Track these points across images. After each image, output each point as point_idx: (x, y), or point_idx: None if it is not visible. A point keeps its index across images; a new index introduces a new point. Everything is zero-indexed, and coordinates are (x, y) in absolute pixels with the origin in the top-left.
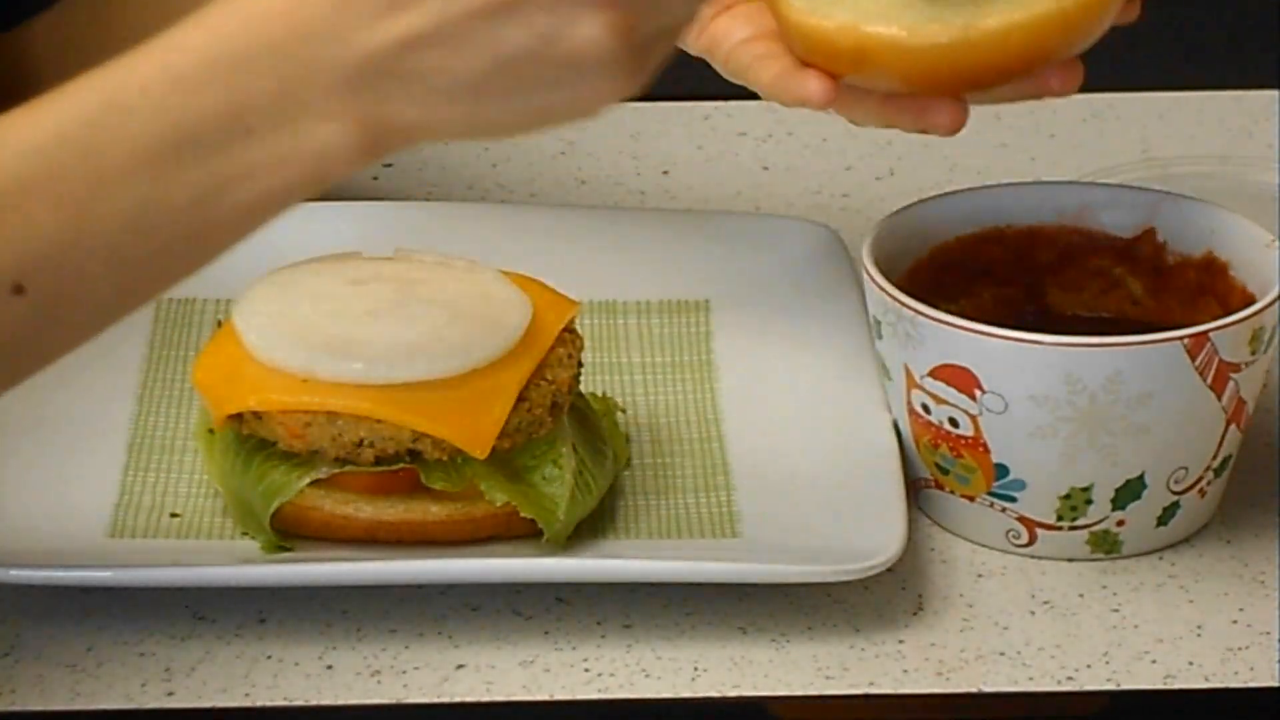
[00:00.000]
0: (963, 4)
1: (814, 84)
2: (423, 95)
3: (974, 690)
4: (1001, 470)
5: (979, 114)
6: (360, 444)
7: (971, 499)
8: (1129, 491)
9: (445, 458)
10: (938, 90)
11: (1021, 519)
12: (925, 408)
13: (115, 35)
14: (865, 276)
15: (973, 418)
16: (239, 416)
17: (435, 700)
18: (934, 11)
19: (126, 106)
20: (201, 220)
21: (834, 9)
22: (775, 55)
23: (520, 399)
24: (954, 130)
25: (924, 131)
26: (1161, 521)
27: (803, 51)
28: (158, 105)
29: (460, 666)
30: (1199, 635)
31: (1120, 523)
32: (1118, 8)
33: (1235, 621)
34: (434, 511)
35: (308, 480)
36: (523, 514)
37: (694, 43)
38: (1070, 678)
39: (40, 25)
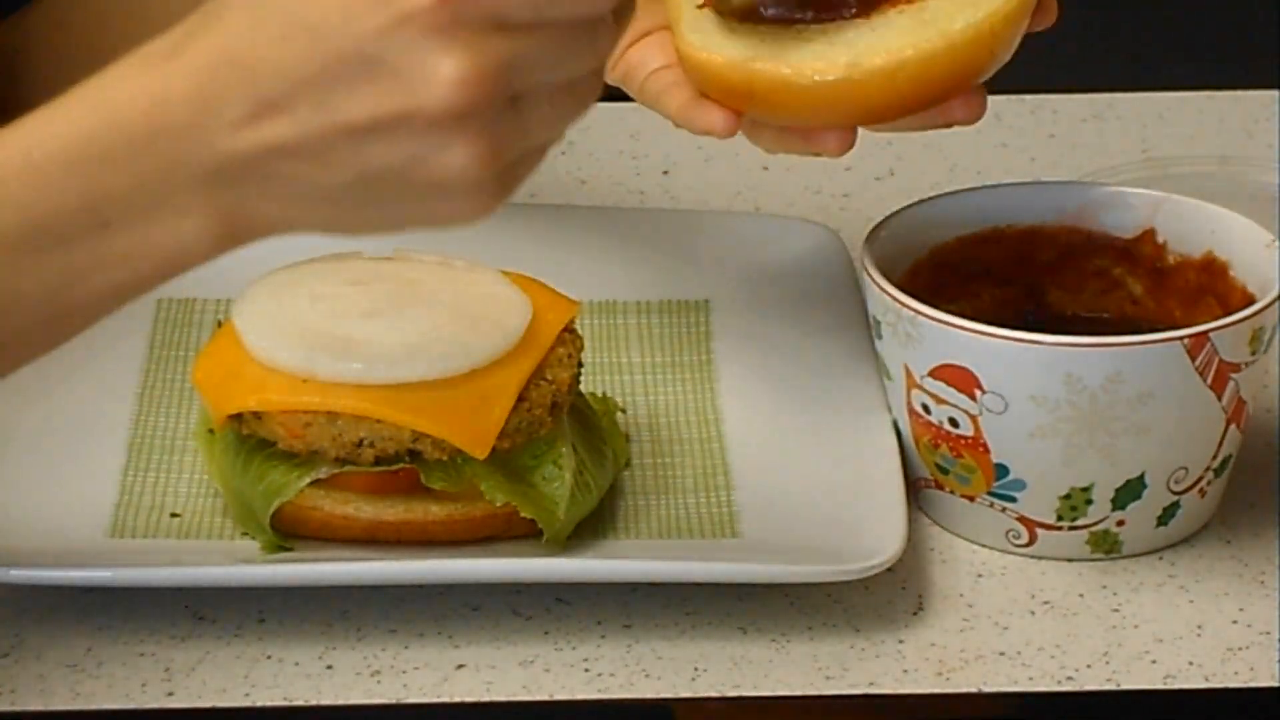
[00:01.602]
0: (852, 41)
1: (716, 116)
2: (284, 198)
3: (974, 690)
4: (1001, 470)
5: None
6: (360, 444)
7: (971, 499)
8: (1129, 491)
9: (445, 458)
10: (829, 124)
11: (1021, 519)
12: (925, 408)
13: (106, 24)
14: (865, 276)
15: (973, 418)
16: (239, 416)
17: (435, 700)
18: (821, 49)
19: None
20: (56, 308)
21: (726, 44)
22: (681, 84)
23: (520, 399)
24: (841, 152)
25: (815, 155)
26: (1161, 521)
27: (699, 84)
28: (14, 197)
29: (460, 666)
30: (1199, 635)
31: (1120, 523)
32: (1014, 40)
33: (1235, 621)
34: (434, 511)
35: (308, 480)
36: (523, 514)
37: (610, 73)
38: (1070, 678)
39: (35, 13)
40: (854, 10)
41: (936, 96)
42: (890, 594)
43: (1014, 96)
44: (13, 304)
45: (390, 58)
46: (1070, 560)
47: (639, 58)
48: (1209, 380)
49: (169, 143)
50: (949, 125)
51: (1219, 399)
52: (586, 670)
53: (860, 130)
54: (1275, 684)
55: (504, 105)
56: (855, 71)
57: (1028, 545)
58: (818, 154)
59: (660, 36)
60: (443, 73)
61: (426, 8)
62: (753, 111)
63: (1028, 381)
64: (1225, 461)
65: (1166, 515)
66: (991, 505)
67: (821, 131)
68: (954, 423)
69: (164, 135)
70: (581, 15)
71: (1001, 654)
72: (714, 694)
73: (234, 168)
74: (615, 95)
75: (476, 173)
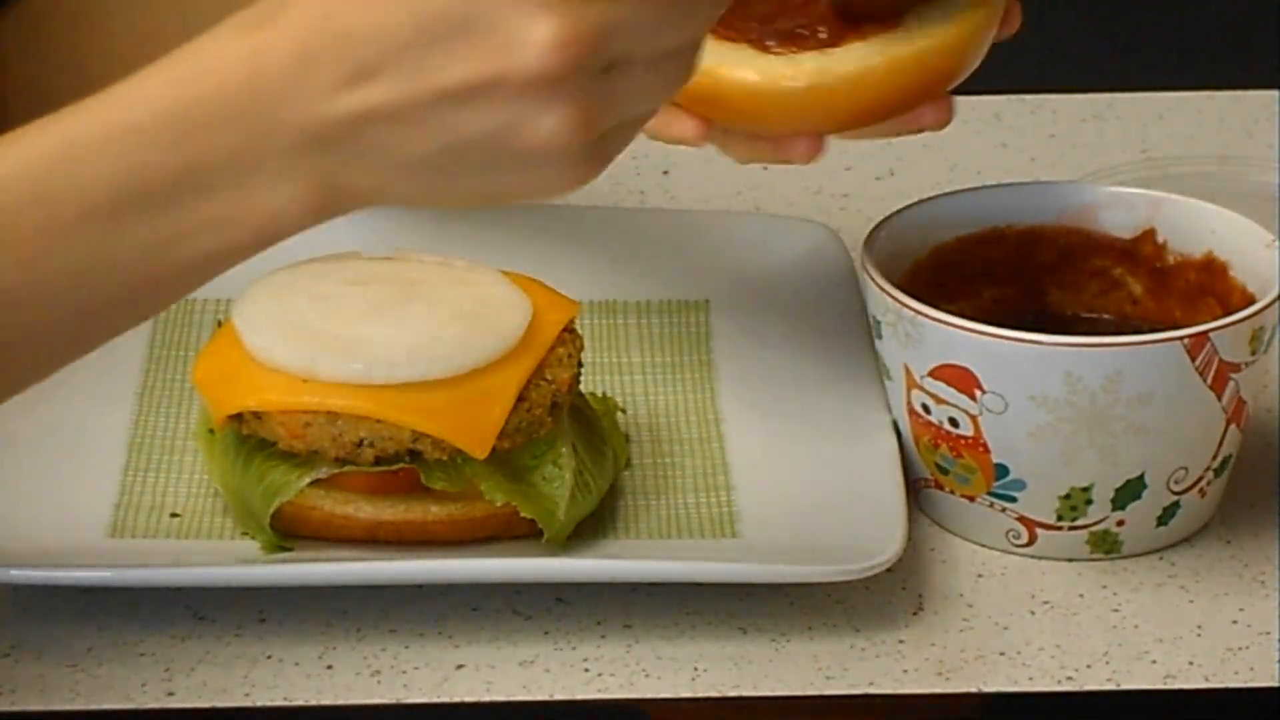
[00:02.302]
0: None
1: (687, 124)
2: (378, 166)
3: (974, 690)
4: (1001, 470)
5: (979, 114)
6: (360, 444)
7: (971, 499)
8: (1129, 491)
9: (445, 458)
10: (799, 131)
11: (1021, 519)
12: (925, 408)
13: (86, 23)
14: (865, 276)
15: (973, 418)
16: (239, 416)
17: (435, 700)
18: (789, 57)
19: (80, 157)
20: (150, 274)
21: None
22: None
23: (520, 399)
24: (810, 160)
25: (786, 162)
26: (1161, 521)
27: (785, 130)
28: (112, 158)
29: (460, 666)
30: (1199, 635)
31: (1120, 523)
32: (983, 48)
33: (1235, 621)
34: (434, 511)
35: (308, 480)
36: (523, 514)
37: None
38: (1070, 678)
39: (13, 13)
40: (824, 38)
41: (905, 104)
42: (890, 594)
43: (1014, 96)
44: (107, 269)
45: (485, 20)
46: (1070, 560)
47: None
48: (1209, 380)
49: (267, 107)
50: (918, 131)
51: (1219, 399)
52: (586, 670)
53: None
54: (1275, 684)
55: (598, 73)
56: (824, 78)
57: (1028, 545)
58: (787, 161)
59: None
60: (537, 35)
61: None
62: (722, 119)
63: (1028, 381)
64: (1225, 461)
65: (1166, 515)
66: (991, 505)
67: (790, 139)
68: (954, 423)
69: (262, 100)
70: None
71: (1001, 654)
72: (714, 694)
73: (330, 133)
74: None
75: (568, 140)
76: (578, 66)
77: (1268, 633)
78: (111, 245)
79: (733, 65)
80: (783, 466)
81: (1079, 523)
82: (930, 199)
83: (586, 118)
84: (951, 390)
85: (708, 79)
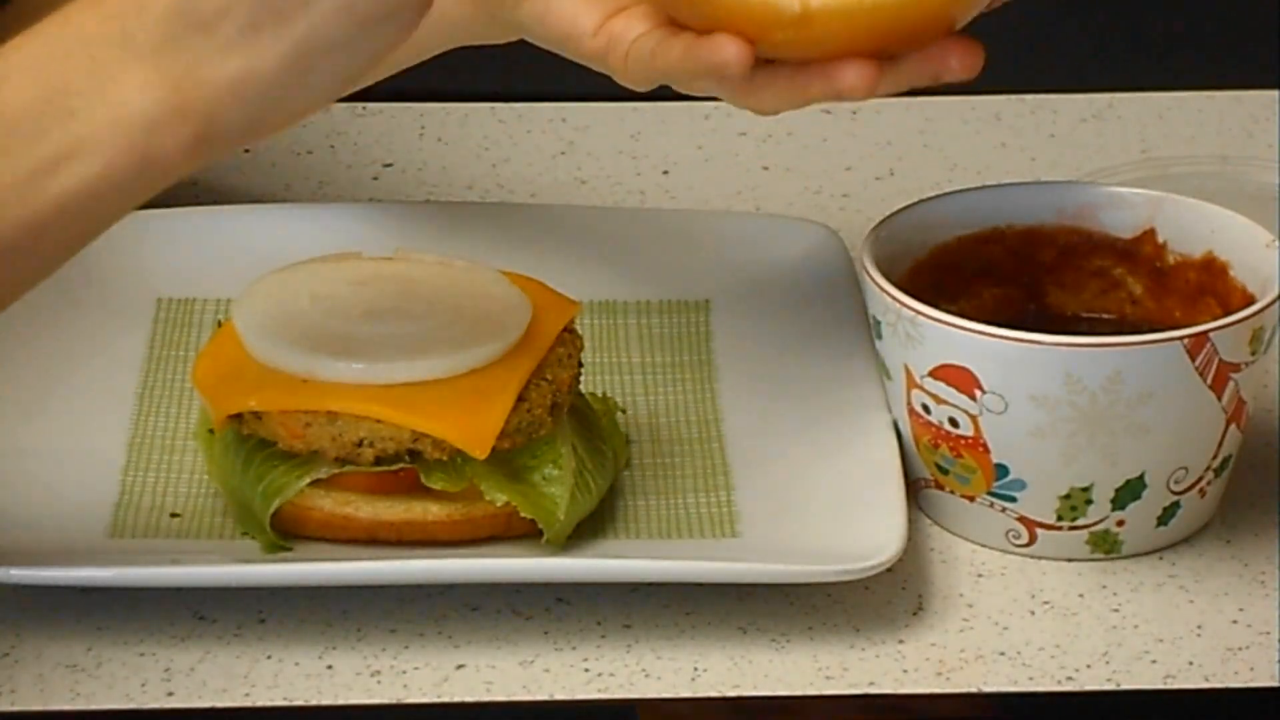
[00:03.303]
0: None
1: (729, 45)
2: (227, 43)
3: (974, 690)
4: (1001, 470)
5: (979, 114)
6: (360, 444)
7: (971, 499)
8: (1129, 491)
9: (445, 458)
10: (856, 52)
11: (1021, 519)
12: (925, 408)
13: None
14: (865, 276)
15: (973, 418)
16: (239, 416)
17: (435, 700)
18: None
19: None
20: (30, 210)
21: None
22: (676, 34)
23: (520, 399)
24: (867, 92)
25: (837, 98)
26: (1161, 521)
27: (724, 26)
28: None
29: (460, 666)
30: (1199, 635)
31: (1120, 523)
32: None
33: (1235, 621)
34: (434, 511)
35: (308, 480)
36: (523, 514)
37: (589, 43)
38: (1070, 678)
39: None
40: None
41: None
42: (890, 594)
43: (1014, 96)
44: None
45: None
46: (1070, 560)
47: (621, 28)
48: (1209, 380)
49: (114, 21)
50: (941, 79)
51: (1219, 399)
52: (586, 670)
53: (860, 130)
54: (1275, 684)
55: None
56: None
57: (1028, 545)
58: (837, 97)
59: (638, 10)
60: None
61: None
62: (790, 46)
63: (1028, 381)
64: (1225, 461)
65: (1166, 515)
66: (991, 505)
67: (845, 65)
68: (954, 423)
69: (108, 17)
70: None
71: (1001, 654)
72: (714, 694)
73: (173, 25)
74: (615, 95)
75: None
76: None
77: (1268, 633)
78: None
79: None
80: (783, 466)
81: (1079, 523)
82: (930, 199)
83: None
84: (951, 390)
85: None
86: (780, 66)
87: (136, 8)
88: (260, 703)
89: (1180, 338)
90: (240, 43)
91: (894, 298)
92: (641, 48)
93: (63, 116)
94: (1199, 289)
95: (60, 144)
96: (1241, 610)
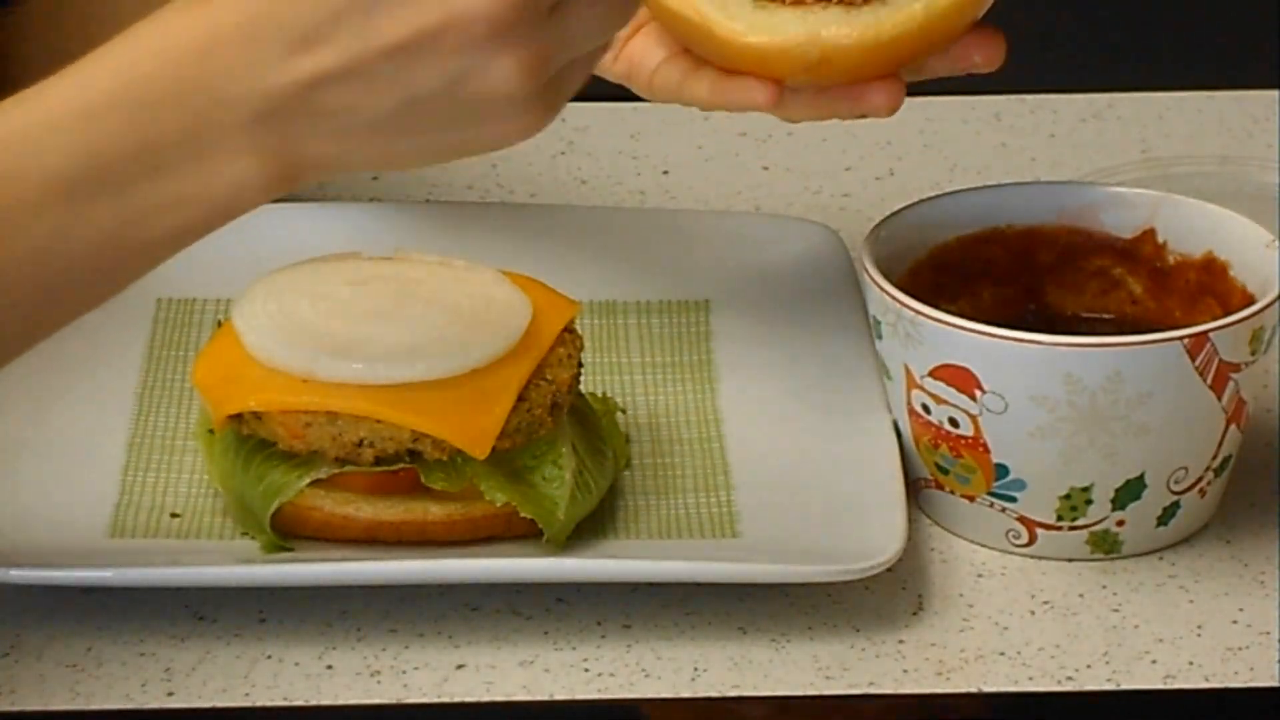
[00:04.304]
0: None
1: (759, 89)
2: (333, 131)
3: (974, 690)
4: (1001, 470)
5: (979, 114)
6: (360, 444)
7: (971, 499)
8: (1129, 491)
9: (445, 458)
10: (880, 73)
11: (1021, 519)
12: (925, 408)
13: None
14: (865, 276)
15: (973, 418)
16: (239, 416)
17: (435, 700)
18: (872, 9)
19: (36, 140)
20: (111, 254)
21: (774, 22)
22: (700, 67)
23: (520, 399)
24: (892, 109)
25: (862, 116)
26: (1161, 521)
27: (747, 66)
28: (68, 142)
29: (460, 666)
30: (1199, 635)
31: (1120, 523)
32: None
33: (1235, 621)
34: (434, 511)
35: (308, 480)
36: (523, 514)
37: (611, 68)
38: (1070, 678)
39: (27, 10)
40: None
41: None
42: (890, 594)
43: (1014, 96)
44: (68, 251)
45: None
46: (1070, 560)
47: (640, 52)
48: (1209, 380)
49: (217, 83)
50: (964, 71)
51: (1219, 399)
52: (586, 670)
53: (860, 130)
54: (1275, 684)
55: (544, 14)
56: (929, 9)
57: (1028, 545)
58: (862, 115)
59: (653, 27)
60: None
61: None
62: (809, 79)
63: (1028, 381)
64: (1225, 461)
65: (1166, 515)
66: (991, 505)
67: (872, 87)
68: (954, 423)
69: (211, 77)
70: None
71: (1001, 654)
72: (714, 694)
73: (283, 103)
74: (615, 95)
75: (521, 85)
76: (523, 10)
77: (1268, 633)
78: (72, 226)
79: (829, 25)
80: (783, 466)
81: (1079, 523)
82: (930, 199)
83: (537, 60)
84: (951, 390)
85: (811, 47)
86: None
87: (247, 66)
88: (260, 703)
89: (1180, 338)
90: (347, 136)
91: (894, 298)
92: (667, 78)
93: (151, 172)
94: (1199, 289)
95: (147, 199)
96: (1241, 610)
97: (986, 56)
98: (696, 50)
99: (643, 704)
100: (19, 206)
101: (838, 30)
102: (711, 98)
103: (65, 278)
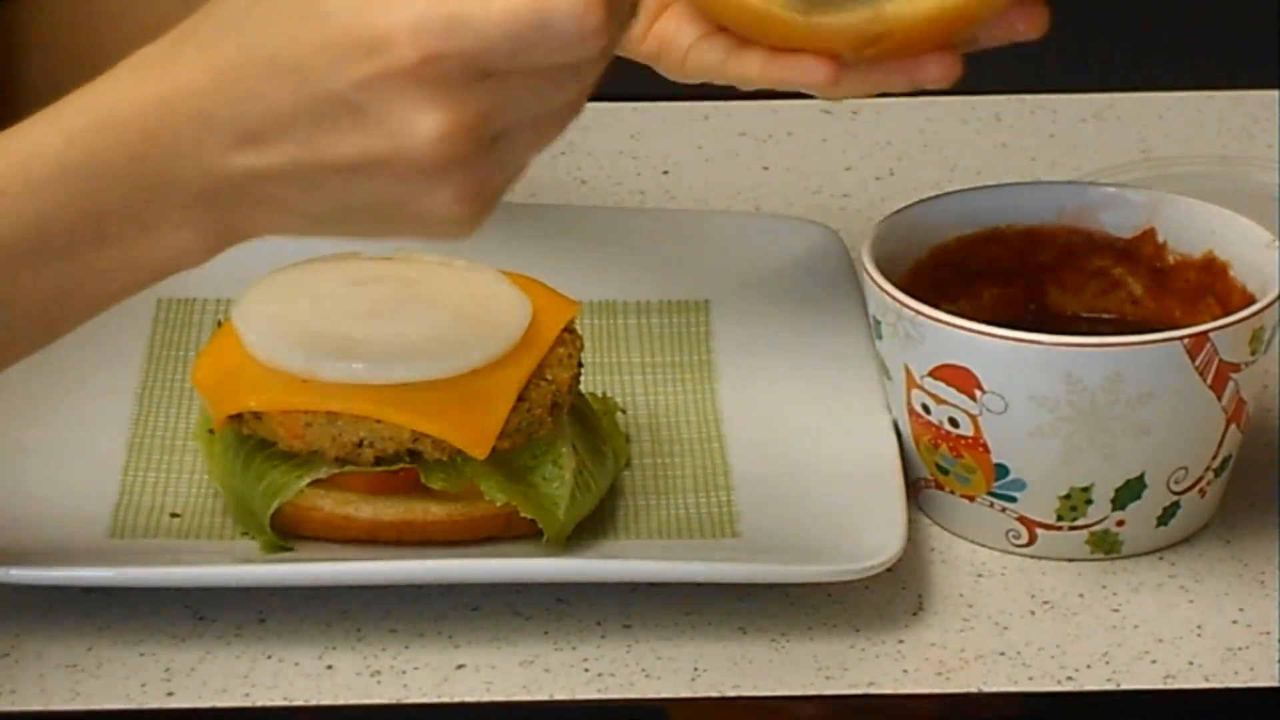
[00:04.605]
0: None
1: (818, 67)
2: (273, 214)
3: (974, 690)
4: (1001, 470)
5: (979, 114)
6: (360, 444)
7: (971, 499)
8: (1129, 491)
9: (445, 458)
10: (936, 45)
11: (1021, 519)
12: (925, 408)
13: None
14: (865, 276)
15: (973, 418)
16: (239, 417)
17: (435, 700)
18: None
19: None
20: (53, 314)
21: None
22: (745, 45)
23: (520, 399)
24: (950, 81)
25: (921, 88)
26: (1161, 521)
27: (804, 44)
28: (13, 209)
29: (460, 666)
30: (1199, 635)
31: (1120, 523)
32: None
33: (1235, 621)
34: (434, 511)
35: (308, 480)
36: (523, 514)
37: (639, 48)
38: (1070, 678)
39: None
40: None
41: None
42: (890, 594)
43: (1014, 96)
44: (9, 313)
45: (373, 108)
46: (1070, 560)
47: (672, 30)
48: (1209, 380)
49: (164, 163)
50: (1011, 39)
51: (1219, 399)
52: (586, 670)
53: (860, 130)
54: (1275, 684)
55: (485, 147)
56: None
57: (1028, 545)
58: (918, 87)
59: (680, 7)
60: (424, 126)
61: (410, 64)
62: (871, 53)
63: (1028, 381)
64: (1225, 461)
65: (1166, 515)
66: (991, 505)
67: (928, 59)
68: (954, 423)
69: (157, 157)
70: (565, 62)
71: (1001, 654)
72: (714, 694)
73: (225, 188)
74: (615, 95)
75: (458, 209)
76: (465, 150)
77: (1268, 633)
78: (18, 291)
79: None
80: (783, 466)
81: (1079, 523)
82: (930, 199)
83: (475, 188)
84: (951, 390)
85: (877, 23)
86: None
87: (194, 148)
88: (260, 703)
89: (1180, 338)
90: (285, 220)
91: (894, 298)
92: (707, 57)
93: (97, 241)
94: (1199, 289)
95: (92, 265)
96: (1241, 610)
97: (1031, 24)
98: (744, 30)
99: (645, 703)
100: None
101: (903, 3)
102: (764, 75)
103: (7, 333)
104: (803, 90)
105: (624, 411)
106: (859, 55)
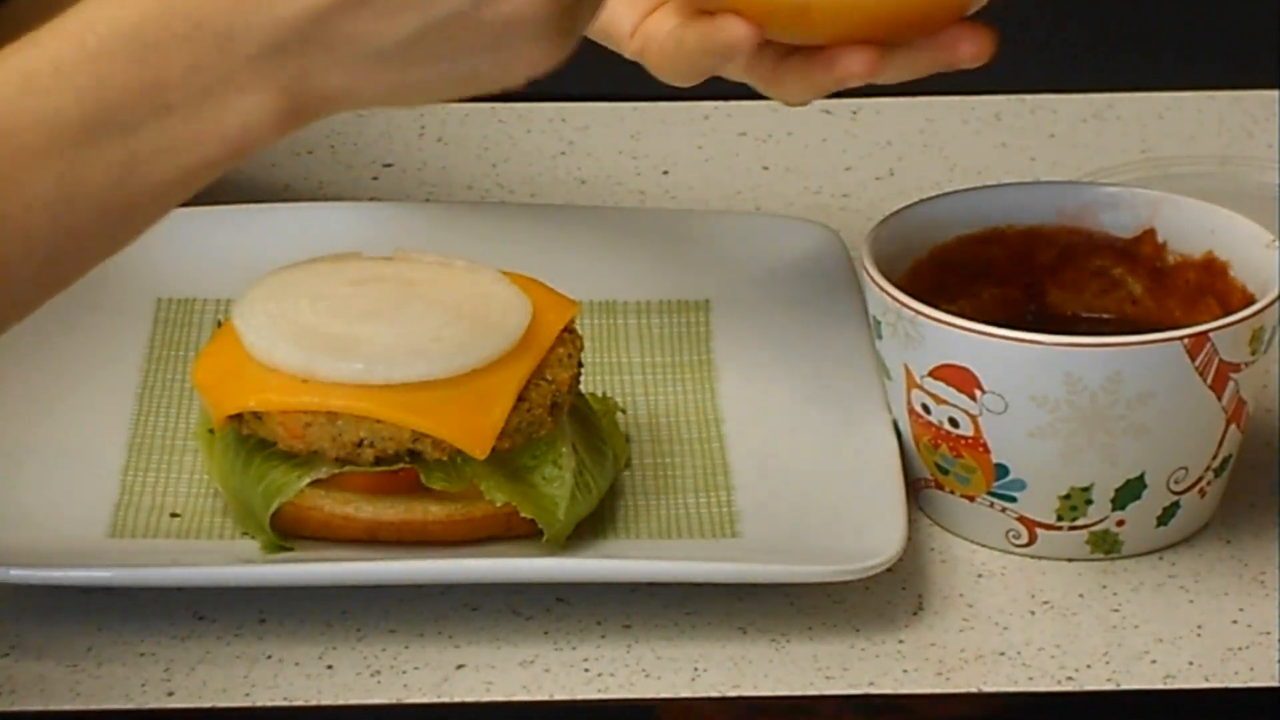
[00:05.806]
0: None
1: (738, 27)
2: (348, 61)
3: (974, 690)
4: (1001, 470)
5: (979, 114)
6: (360, 444)
7: (971, 499)
8: (1129, 491)
9: (445, 458)
10: (864, 39)
11: (1021, 519)
12: (925, 408)
13: None
14: (865, 276)
15: (973, 418)
16: (239, 416)
17: (435, 700)
18: None
19: (42, 85)
20: (121, 199)
21: None
22: (695, 20)
23: (520, 399)
24: (867, 77)
25: (840, 84)
26: (1161, 521)
27: (844, 32)
28: (73, 83)
29: (460, 666)
30: (1199, 635)
31: (1120, 523)
32: None
33: (1235, 621)
34: (434, 511)
35: (308, 480)
36: (523, 514)
37: (630, 45)
38: (1070, 678)
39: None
40: None
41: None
42: (890, 594)
43: (1014, 96)
44: (77, 197)
45: None
46: (1070, 560)
47: (653, 27)
48: (1209, 380)
49: (227, 13)
50: (955, 66)
51: (1219, 399)
52: (586, 670)
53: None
54: (1275, 684)
55: None
56: None
57: (1028, 545)
58: (950, 66)
59: (671, 5)
60: None
61: None
62: (773, 30)
63: (1028, 381)
64: (1225, 461)
65: (1166, 515)
66: (991, 505)
67: (960, 33)
68: (954, 423)
69: (217, 11)
70: None
71: (1001, 654)
72: (714, 694)
73: (295, 33)
74: (615, 95)
75: (536, 10)
76: None
77: (1268, 633)
78: (82, 171)
79: None
80: (783, 466)
81: (1079, 523)
82: (930, 199)
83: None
84: (951, 390)
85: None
86: (797, 56)
87: (255, 4)
88: (260, 703)
89: (1180, 338)
90: (359, 65)
91: (894, 298)
92: (667, 41)
93: (159, 112)
94: (1199, 289)
95: (156, 140)
96: (1241, 610)
97: (974, 51)
98: (780, 32)
99: (644, 703)
100: (26, 152)
101: None
102: (700, 43)
103: (77, 224)
104: (750, 82)
105: (624, 411)
106: (785, 31)
